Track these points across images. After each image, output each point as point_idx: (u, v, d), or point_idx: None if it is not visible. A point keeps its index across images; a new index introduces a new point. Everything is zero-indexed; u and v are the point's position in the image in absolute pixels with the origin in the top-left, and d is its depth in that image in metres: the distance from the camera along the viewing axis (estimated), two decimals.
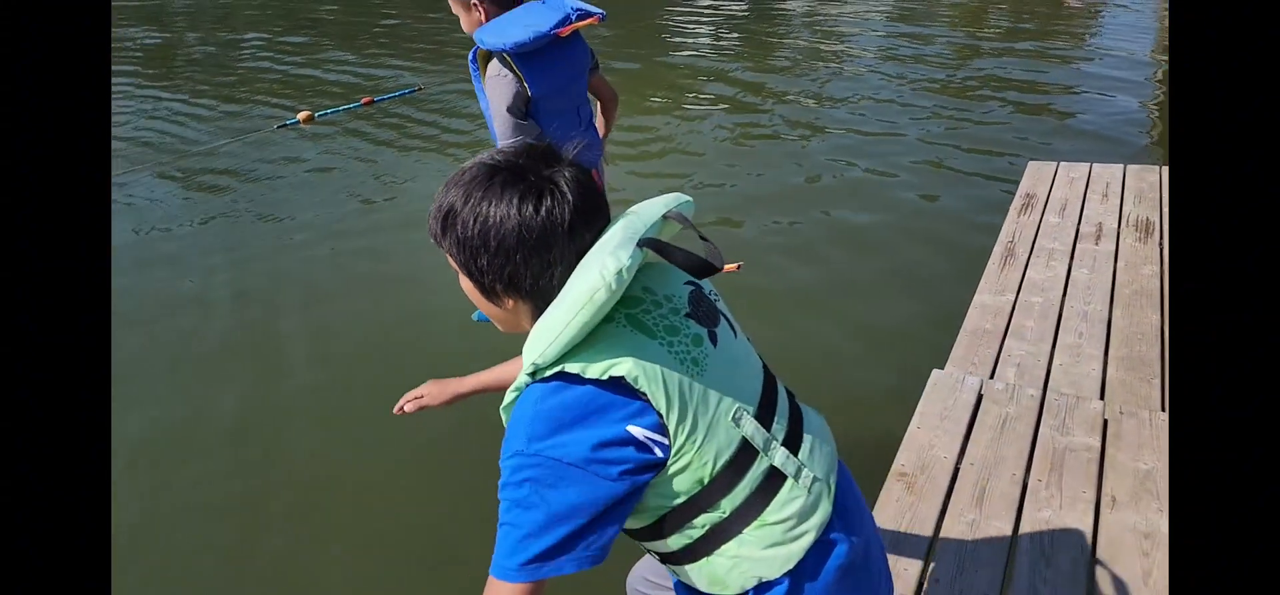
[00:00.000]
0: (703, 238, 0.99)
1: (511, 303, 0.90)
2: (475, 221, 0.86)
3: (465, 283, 0.94)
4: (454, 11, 2.04)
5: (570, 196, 0.85)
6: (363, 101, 7.14)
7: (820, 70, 8.58)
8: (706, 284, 1.03)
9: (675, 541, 0.92)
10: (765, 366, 1.05)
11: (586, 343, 0.84)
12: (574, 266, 0.86)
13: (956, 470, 2.21)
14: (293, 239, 4.76)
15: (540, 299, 0.88)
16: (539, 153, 0.89)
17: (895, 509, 2.09)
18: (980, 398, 2.50)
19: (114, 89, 8.21)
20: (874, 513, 2.02)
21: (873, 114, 6.94)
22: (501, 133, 1.97)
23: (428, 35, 11.15)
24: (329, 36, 10.87)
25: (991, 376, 2.63)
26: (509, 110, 1.92)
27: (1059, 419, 2.36)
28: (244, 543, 2.57)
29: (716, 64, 8.99)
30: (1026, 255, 3.49)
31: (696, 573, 0.94)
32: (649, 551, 1.00)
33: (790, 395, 1.06)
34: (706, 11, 12.38)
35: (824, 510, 0.94)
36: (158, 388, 3.31)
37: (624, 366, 0.82)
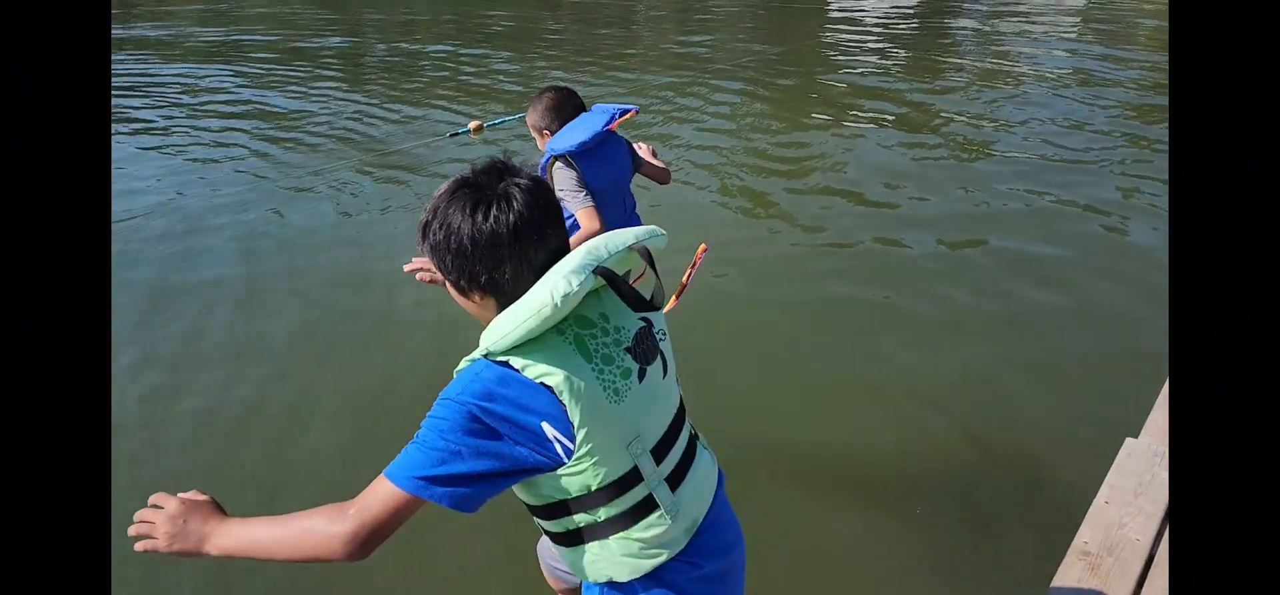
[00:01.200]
0: (656, 277, 1.11)
1: (477, 297, 1.06)
2: (441, 229, 1.03)
3: (447, 285, 1.10)
4: (532, 135, 2.49)
5: (517, 205, 1.01)
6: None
7: (995, 91, 8.14)
8: (657, 321, 1.16)
9: (556, 526, 1.09)
10: (681, 407, 1.18)
11: (535, 344, 0.98)
12: (525, 265, 1.01)
13: (1151, 558, 1.98)
14: None
15: (498, 293, 1.03)
16: (497, 169, 1.06)
17: (1073, 593, 1.90)
18: None
19: (319, 91, 9.35)
20: (1049, 590, 1.91)
21: (1057, 139, 6.50)
22: (575, 207, 2.31)
23: (590, 49, 11.74)
24: (501, 49, 11.74)
25: None
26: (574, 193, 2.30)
27: None
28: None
29: (880, 82, 8.77)
30: None
31: (566, 553, 1.13)
32: (538, 526, 1.15)
33: (692, 438, 1.20)
34: (873, 29, 12.10)
35: (680, 544, 1.11)
36: (358, 354, 3.75)
37: (555, 379, 0.97)
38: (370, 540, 0.96)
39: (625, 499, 1.04)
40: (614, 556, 1.08)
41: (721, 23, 14.09)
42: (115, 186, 6.27)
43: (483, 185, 1.03)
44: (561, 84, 2.38)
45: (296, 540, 0.97)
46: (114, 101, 9.30)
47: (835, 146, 6.66)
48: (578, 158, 2.27)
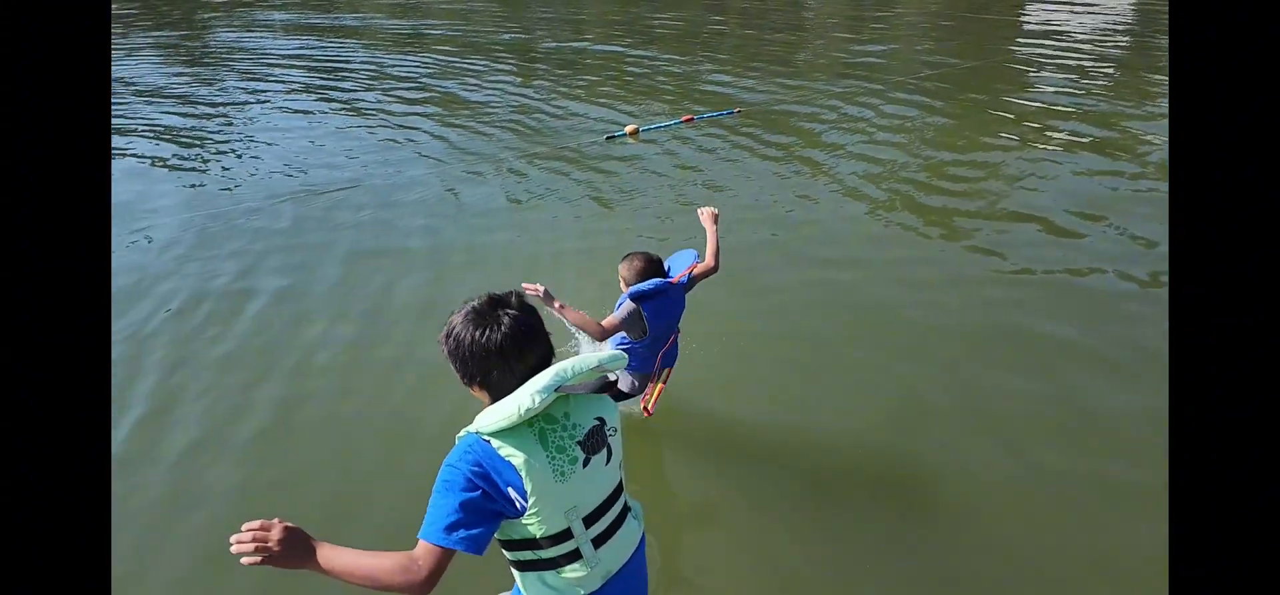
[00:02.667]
0: (608, 385, 1.55)
1: (476, 388, 1.49)
2: (453, 339, 1.46)
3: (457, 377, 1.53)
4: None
5: (504, 328, 1.43)
6: (683, 119, 7.93)
7: None
8: (609, 421, 1.56)
9: (512, 555, 1.53)
10: (619, 486, 1.59)
11: (509, 432, 1.41)
12: (508, 372, 1.44)
13: None
14: (619, 225, 5.54)
15: (490, 388, 1.46)
16: (496, 301, 1.48)
17: None
18: None
19: (492, 83, 10.18)
20: None
21: None
22: (615, 315, 2.93)
23: (756, 53, 11.90)
24: (666, 51, 12.17)
25: None
26: (627, 330, 2.94)
27: None
28: None
29: (1078, 103, 8.25)
30: None
31: (517, 575, 1.58)
32: (502, 554, 1.57)
33: (624, 510, 1.61)
34: (1076, 45, 11.35)
35: (594, 586, 1.54)
36: None
37: (517, 460, 1.40)
38: (433, 581, 1.39)
39: (559, 548, 1.48)
40: (544, 588, 1.53)
41: (900, 32, 13.75)
42: (316, 160, 7.22)
43: (484, 312, 1.47)
44: (652, 253, 3.02)
45: (384, 577, 1.37)
46: (316, 81, 10.65)
47: (1021, 168, 6.39)
48: (645, 303, 2.91)
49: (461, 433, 1.46)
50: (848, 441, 3.26)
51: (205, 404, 3.59)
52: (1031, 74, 9.80)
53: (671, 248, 5.15)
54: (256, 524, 1.34)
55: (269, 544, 1.32)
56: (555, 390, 1.40)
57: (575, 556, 1.48)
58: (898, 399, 3.51)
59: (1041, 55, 10.78)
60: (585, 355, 1.49)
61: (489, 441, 1.40)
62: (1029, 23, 13.64)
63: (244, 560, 1.32)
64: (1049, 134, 7.29)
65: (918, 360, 3.79)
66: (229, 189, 6.53)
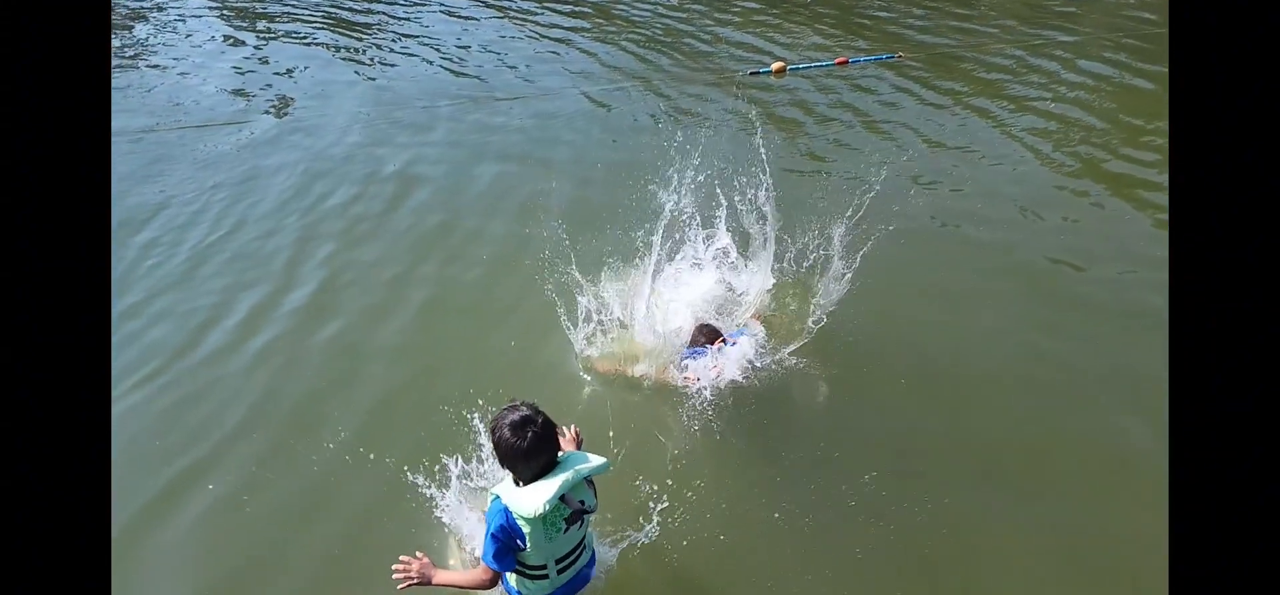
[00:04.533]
0: (584, 509, 2.34)
1: (506, 468, 2.28)
2: (496, 435, 2.25)
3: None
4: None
5: (527, 442, 2.20)
6: (836, 62, 7.76)
7: None
8: (589, 504, 2.37)
9: (512, 574, 2.45)
10: (583, 539, 2.45)
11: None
12: (526, 468, 2.22)
13: None
14: (763, 158, 5.62)
15: (515, 473, 2.27)
16: (528, 418, 2.21)
17: None
18: None
19: (646, 3, 10.32)
20: None
21: None
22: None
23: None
24: None
25: None
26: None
27: None
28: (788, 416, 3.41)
29: None
30: None
31: (510, 577, 2.45)
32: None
33: (583, 549, 2.47)
34: None
35: (549, 590, 2.43)
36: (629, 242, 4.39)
37: (526, 529, 2.27)
38: (495, 584, 2.39)
39: (537, 571, 2.35)
40: (519, 582, 2.42)
41: None
42: (472, 66, 7.73)
43: (518, 426, 2.21)
44: (716, 328, 3.62)
45: (474, 584, 2.36)
46: None
47: None
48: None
49: (492, 492, 2.30)
50: (972, 404, 3.33)
51: (370, 279, 4.13)
52: None
53: (816, 189, 5.24)
54: (406, 558, 2.29)
55: (412, 574, 2.28)
56: (558, 499, 2.22)
57: (544, 577, 2.38)
58: (1028, 369, 3.51)
59: None
60: (580, 467, 2.27)
61: (512, 512, 2.24)
62: None
63: (401, 588, 2.25)
64: None
65: (1059, 332, 3.76)
66: (393, 86, 7.15)
